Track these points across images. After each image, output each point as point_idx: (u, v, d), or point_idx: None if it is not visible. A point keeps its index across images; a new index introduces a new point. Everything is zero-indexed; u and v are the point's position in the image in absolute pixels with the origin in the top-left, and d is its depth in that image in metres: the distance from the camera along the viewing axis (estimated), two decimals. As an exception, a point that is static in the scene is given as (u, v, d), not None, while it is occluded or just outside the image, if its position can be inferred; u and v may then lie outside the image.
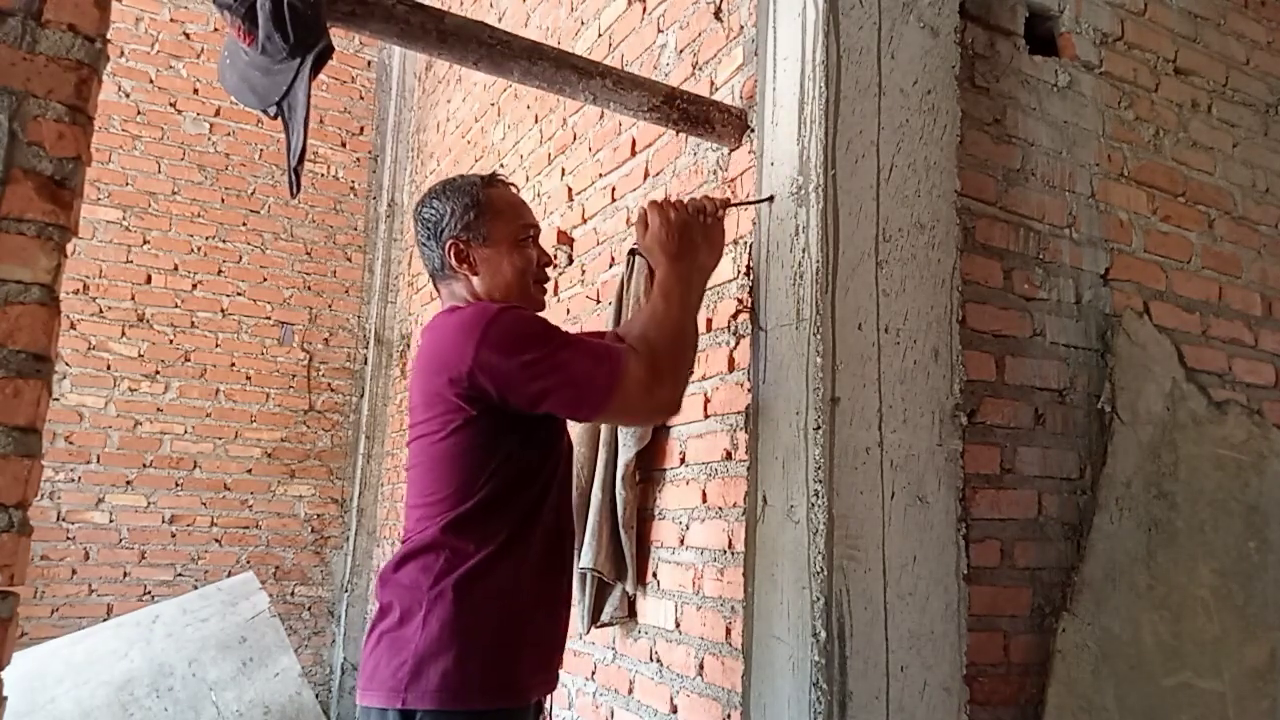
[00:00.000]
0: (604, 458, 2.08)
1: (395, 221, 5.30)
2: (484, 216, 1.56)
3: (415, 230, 1.62)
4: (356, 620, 4.88)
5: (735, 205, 1.79)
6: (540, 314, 1.57)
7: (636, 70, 2.38)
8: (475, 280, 1.56)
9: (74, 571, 4.38)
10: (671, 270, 1.57)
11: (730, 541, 1.79)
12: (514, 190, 1.65)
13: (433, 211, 1.58)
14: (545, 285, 1.66)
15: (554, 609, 1.57)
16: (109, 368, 4.55)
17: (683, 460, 2.02)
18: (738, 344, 1.86)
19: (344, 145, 5.31)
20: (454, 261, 1.56)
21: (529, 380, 1.39)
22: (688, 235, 1.60)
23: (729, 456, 1.84)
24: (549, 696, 1.58)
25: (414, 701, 1.35)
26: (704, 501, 1.90)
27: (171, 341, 4.70)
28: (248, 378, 4.85)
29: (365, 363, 5.16)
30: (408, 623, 1.40)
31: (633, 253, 2.10)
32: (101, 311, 4.56)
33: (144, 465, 4.56)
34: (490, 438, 1.44)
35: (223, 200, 4.88)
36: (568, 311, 2.73)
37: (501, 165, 3.47)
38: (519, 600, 1.45)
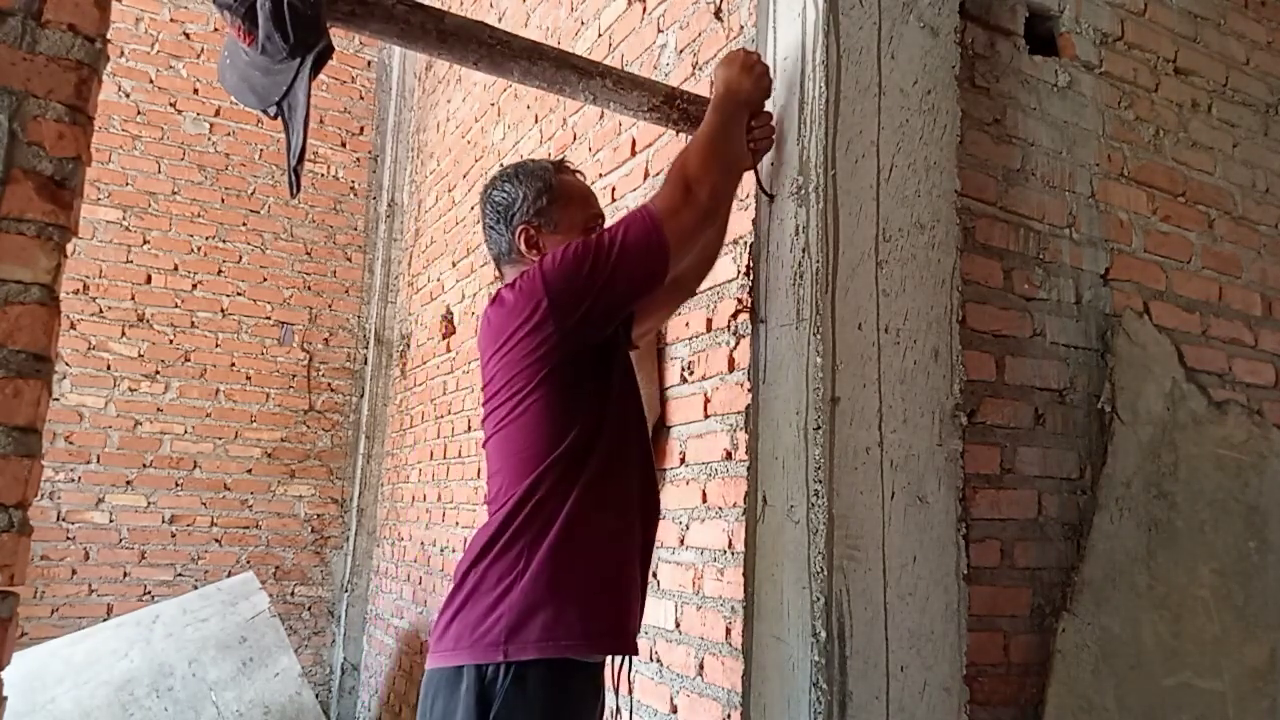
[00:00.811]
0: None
1: (395, 221, 5.30)
2: (556, 203, 1.57)
3: (483, 212, 1.62)
4: (356, 620, 4.88)
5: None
6: None
7: (636, 70, 2.38)
8: None
9: (74, 571, 4.38)
10: (724, 101, 1.61)
11: (730, 541, 1.79)
12: (581, 177, 1.66)
13: (504, 195, 1.58)
14: None
15: (647, 554, 1.56)
16: (109, 368, 4.55)
17: (683, 460, 2.02)
18: (738, 344, 1.86)
19: (344, 145, 5.31)
20: (523, 246, 1.56)
21: (603, 276, 1.41)
22: (754, 84, 1.65)
23: (729, 456, 1.84)
24: (626, 660, 1.54)
25: (516, 653, 1.33)
26: (704, 501, 1.90)
27: (171, 341, 4.70)
28: (248, 378, 4.85)
29: (365, 363, 5.16)
30: (502, 581, 1.39)
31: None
32: (101, 311, 4.56)
33: (144, 465, 4.56)
34: (570, 387, 1.45)
35: (223, 200, 4.88)
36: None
37: (501, 166, 3.47)
38: (615, 544, 1.45)
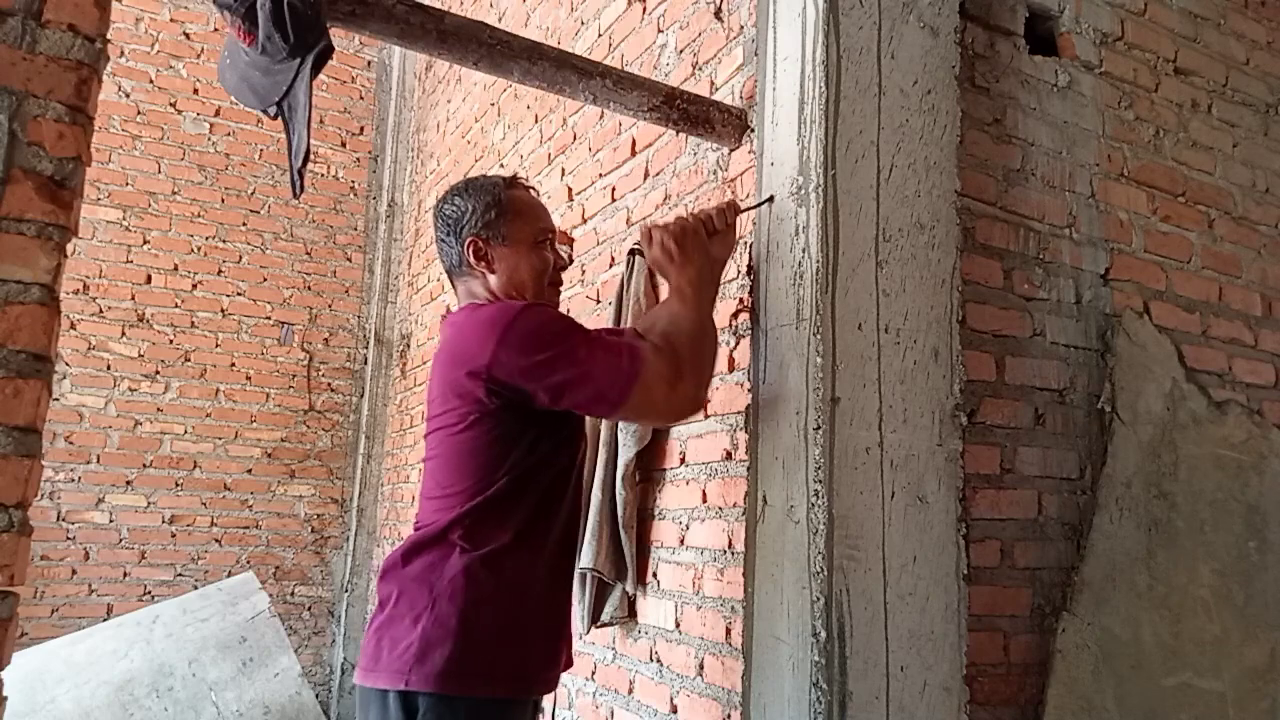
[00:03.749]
0: (604, 458, 2.08)
1: (395, 221, 5.30)
2: (504, 216, 1.58)
3: (435, 226, 1.64)
4: (356, 620, 4.88)
5: (745, 210, 1.78)
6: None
7: (636, 70, 2.38)
8: (492, 278, 1.58)
9: (74, 571, 4.38)
10: (682, 273, 1.59)
11: (730, 541, 1.79)
12: (534, 193, 1.67)
13: (454, 208, 1.60)
14: (560, 288, 1.69)
15: (565, 605, 1.57)
16: (109, 368, 4.55)
17: (683, 460, 2.02)
18: (738, 344, 1.86)
19: (344, 145, 5.31)
20: (472, 259, 1.58)
21: (549, 375, 1.40)
22: (691, 239, 1.62)
23: (729, 456, 1.84)
24: (550, 696, 1.58)
25: (417, 684, 1.36)
26: (704, 501, 1.90)
27: (171, 341, 4.70)
28: (248, 378, 4.85)
29: (365, 363, 5.16)
30: (415, 609, 1.41)
31: (632, 252, 2.10)
32: (101, 311, 4.56)
33: (144, 465, 4.56)
34: (509, 431, 1.46)
35: (223, 200, 4.88)
36: (568, 311, 2.72)
37: (501, 165, 3.47)
38: (531, 593, 1.46)
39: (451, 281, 1.66)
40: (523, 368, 1.40)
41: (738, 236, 1.87)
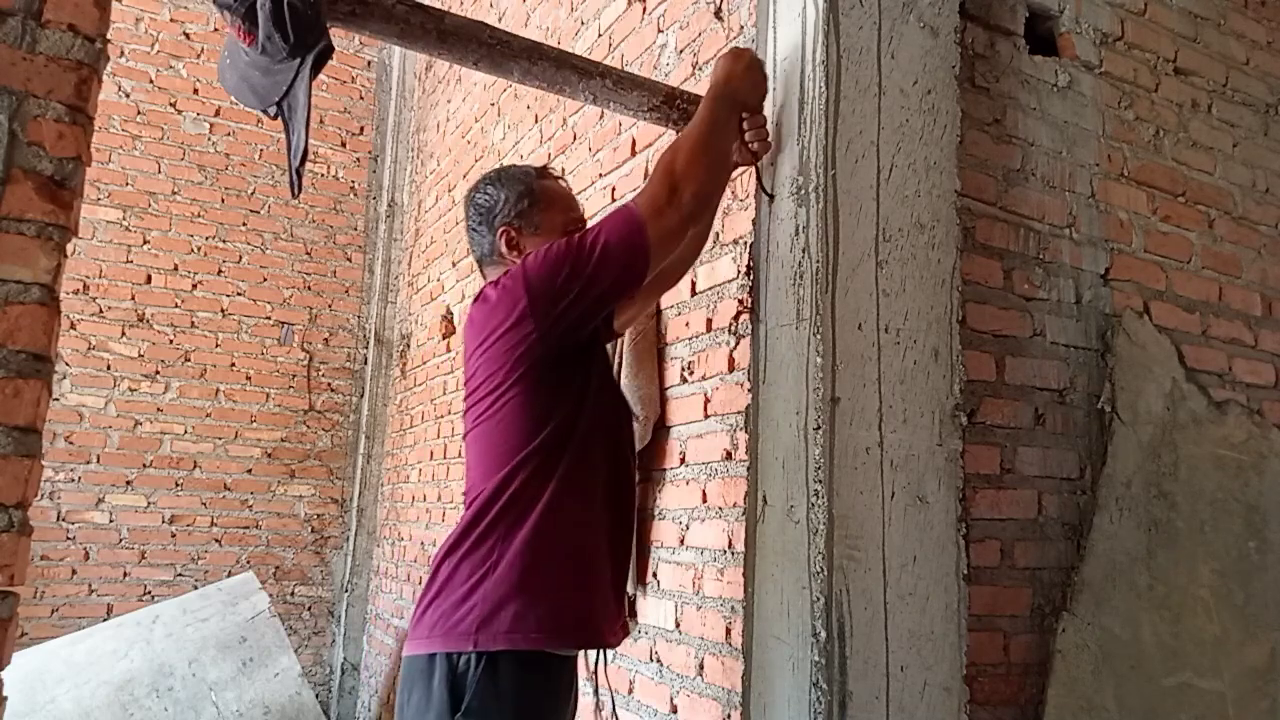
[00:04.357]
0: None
1: (395, 221, 5.30)
2: (537, 205, 1.60)
3: (466, 215, 1.65)
4: (356, 620, 4.88)
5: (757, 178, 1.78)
6: None
7: (636, 70, 2.38)
8: None
9: (74, 571, 4.38)
10: (718, 95, 1.60)
11: (730, 541, 1.79)
12: (564, 184, 1.70)
13: (487, 198, 1.62)
14: None
15: (621, 550, 1.58)
16: (109, 368, 4.55)
17: (683, 460, 2.02)
18: (738, 344, 1.86)
19: (344, 145, 5.31)
20: (504, 248, 1.60)
21: (577, 283, 1.42)
22: (752, 87, 1.65)
23: (729, 456, 1.84)
24: (601, 652, 1.55)
25: (486, 643, 1.36)
26: (704, 501, 1.90)
27: (171, 341, 4.70)
28: (248, 378, 4.85)
29: (365, 363, 5.16)
30: (474, 575, 1.41)
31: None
32: (101, 311, 4.56)
33: (144, 465, 4.56)
34: (548, 385, 1.47)
35: (223, 200, 4.88)
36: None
37: (500, 166, 3.47)
38: (587, 539, 1.47)
39: (481, 271, 1.68)
40: (557, 290, 1.41)
41: (736, 236, 1.87)
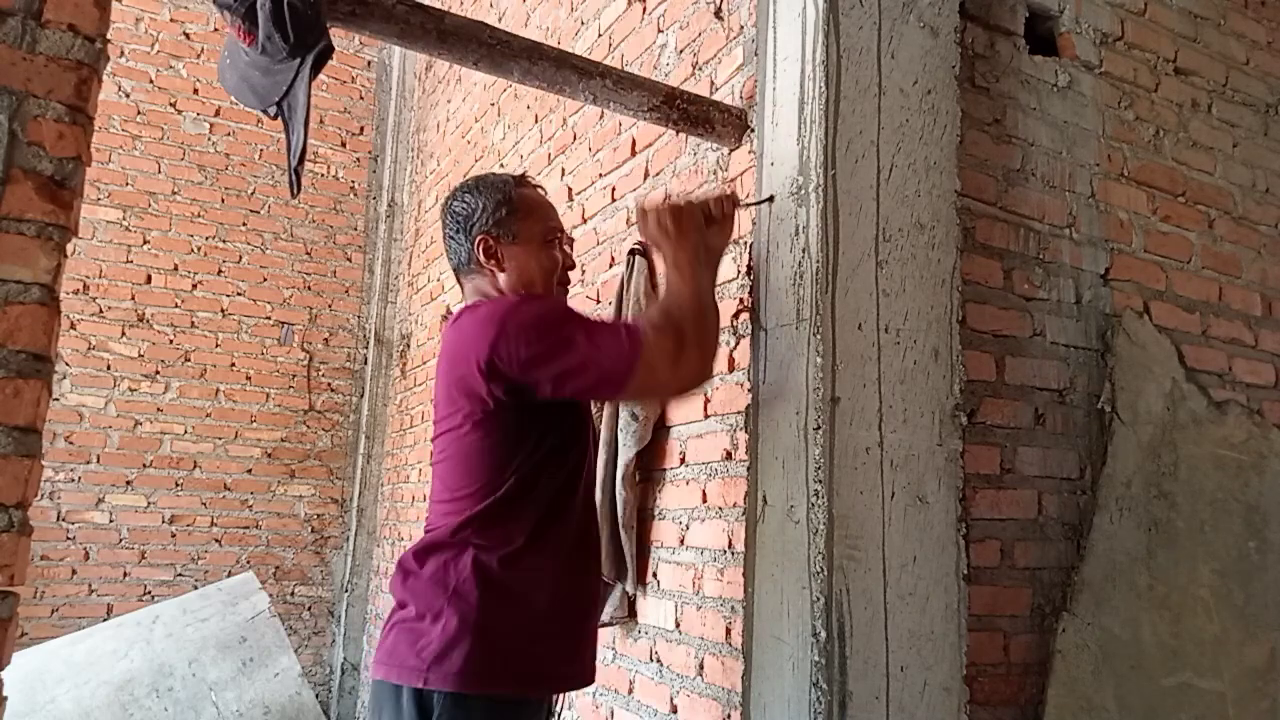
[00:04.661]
0: (604, 458, 2.08)
1: (395, 221, 5.30)
2: (515, 215, 1.58)
3: (444, 223, 1.63)
4: (356, 620, 4.88)
5: (744, 207, 1.78)
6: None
7: (636, 70, 2.38)
8: (501, 276, 1.58)
9: (74, 571, 4.38)
10: (679, 249, 1.56)
11: (730, 541, 1.79)
12: (543, 192, 1.67)
13: (464, 206, 1.59)
14: (568, 287, 1.68)
15: (583, 604, 1.57)
16: (109, 368, 4.55)
17: (683, 460, 2.02)
18: (738, 344, 1.86)
19: (344, 145, 5.31)
20: (481, 256, 1.57)
21: (549, 364, 1.39)
22: (687, 218, 1.59)
23: (729, 456, 1.84)
24: (562, 696, 1.56)
25: (435, 683, 1.36)
26: (704, 501, 1.90)
27: (171, 341, 4.70)
28: (248, 378, 4.85)
29: (365, 363, 5.16)
30: (433, 609, 1.41)
31: (633, 252, 2.10)
32: (101, 311, 4.56)
33: (144, 465, 4.56)
34: (515, 430, 1.45)
35: (223, 200, 4.88)
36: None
37: (501, 165, 3.47)
38: (546, 592, 1.46)
39: (459, 279, 1.65)
40: (523, 359, 1.39)
41: (736, 236, 1.87)
